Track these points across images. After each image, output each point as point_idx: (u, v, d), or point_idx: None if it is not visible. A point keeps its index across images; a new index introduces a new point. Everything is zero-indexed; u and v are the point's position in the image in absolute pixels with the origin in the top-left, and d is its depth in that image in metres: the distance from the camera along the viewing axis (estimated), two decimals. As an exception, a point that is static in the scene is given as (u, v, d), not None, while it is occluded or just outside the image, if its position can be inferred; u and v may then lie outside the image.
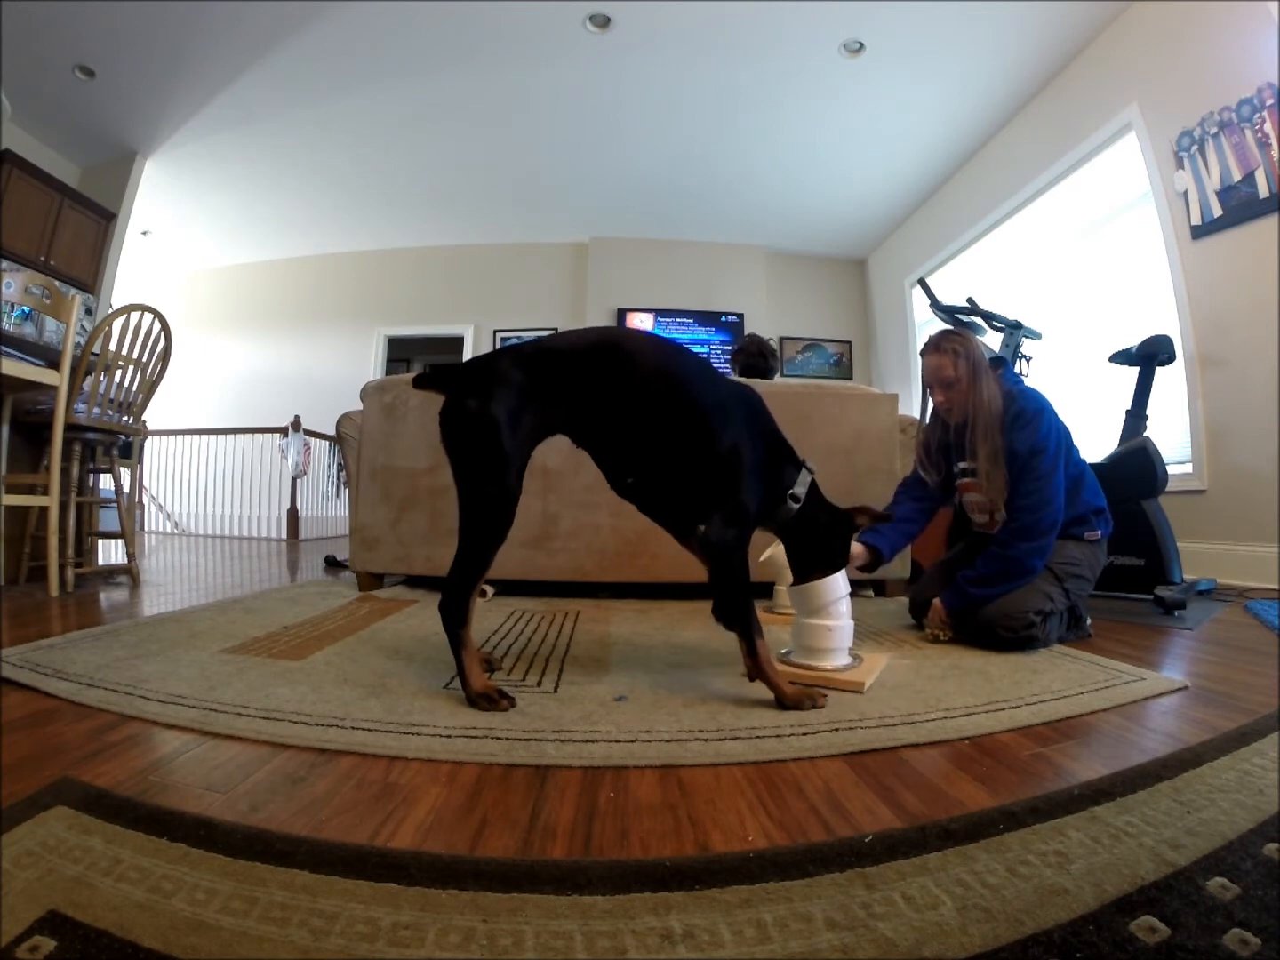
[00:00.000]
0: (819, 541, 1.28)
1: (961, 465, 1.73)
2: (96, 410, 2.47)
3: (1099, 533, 1.69)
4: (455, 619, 1.12)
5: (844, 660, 1.32)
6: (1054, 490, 1.58)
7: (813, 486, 1.27)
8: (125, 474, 2.90)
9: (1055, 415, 1.66)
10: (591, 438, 1.25)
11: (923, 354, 1.73)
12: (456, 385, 1.14)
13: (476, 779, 0.83)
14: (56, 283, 3.29)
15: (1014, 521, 1.60)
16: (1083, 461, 1.73)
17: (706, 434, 1.17)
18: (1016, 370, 2.58)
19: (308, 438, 6.19)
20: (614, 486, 1.30)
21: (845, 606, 1.32)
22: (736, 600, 1.15)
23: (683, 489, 1.21)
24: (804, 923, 0.53)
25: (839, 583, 1.31)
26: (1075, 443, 1.73)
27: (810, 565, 1.29)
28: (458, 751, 0.90)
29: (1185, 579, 2.32)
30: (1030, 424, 1.60)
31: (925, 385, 1.76)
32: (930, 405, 1.80)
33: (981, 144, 4.85)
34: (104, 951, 0.48)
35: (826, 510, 1.29)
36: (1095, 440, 2.08)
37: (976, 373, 1.64)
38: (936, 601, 1.65)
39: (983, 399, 1.62)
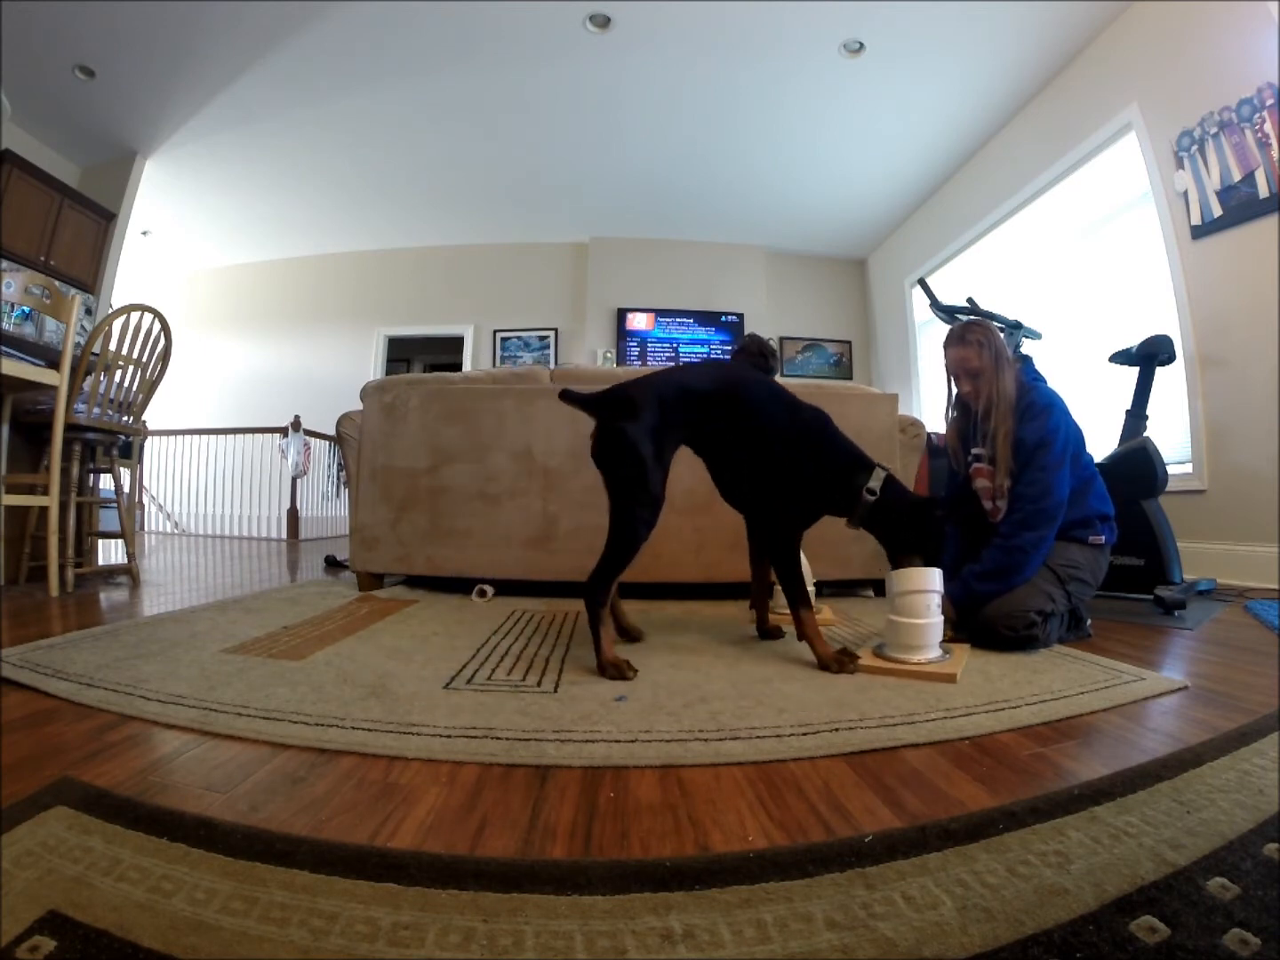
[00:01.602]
0: (903, 526, 1.48)
1: (975, 451, 1.77)
2: (96, 410, 2.47)
3: (1103, 538, 1.70)
4: (597, 600, 1.34)
5: (935, 654, 1.36)
6: (1056, 482, 1.60)
7: (888, 481, 1.49)
8: (125, 474, 2.90)
9: (1067, 414, 1.70)
10: (709, 452, 1.55)
11: (946, 346, 1.78)
12: (610, 411, 1.38)
13: (476, 779, 0.83)
14: (56, 283, 3.29)
15: (1016, 512, 1.61)
16: (1094, 466, 1.76)
17: (787, 457, 1.48)
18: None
19: (308, 438, 6.19)
20: (722, 493, 1.61)
21: (935, 602, 1.37)
22: (785, 575, 1.47)
23: (768, 494, 1.51)
24: (804, 923, 0.53)
25: (930, 577, 1.37)
26: (1088, 448, 1.76)
27: (901, 547, 1.48)
28: (457, 751, 0.90)
29: (1185, 579, 2.32)
30: (1039, 417, 1.64)
31: (951, 376, 1.81)
32: (951, 399, 1.86)
33: (981, 144, 4.85)
34: (104, 951, 0.48)
35: (907, 499, 1.50)
36: (1095, 440, 2.08)
37: (999, 362, 1.69)
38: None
39: (1004, 384, 1.68)
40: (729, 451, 1.51)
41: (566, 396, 1.40)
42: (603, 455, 1.37)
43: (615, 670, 1.26)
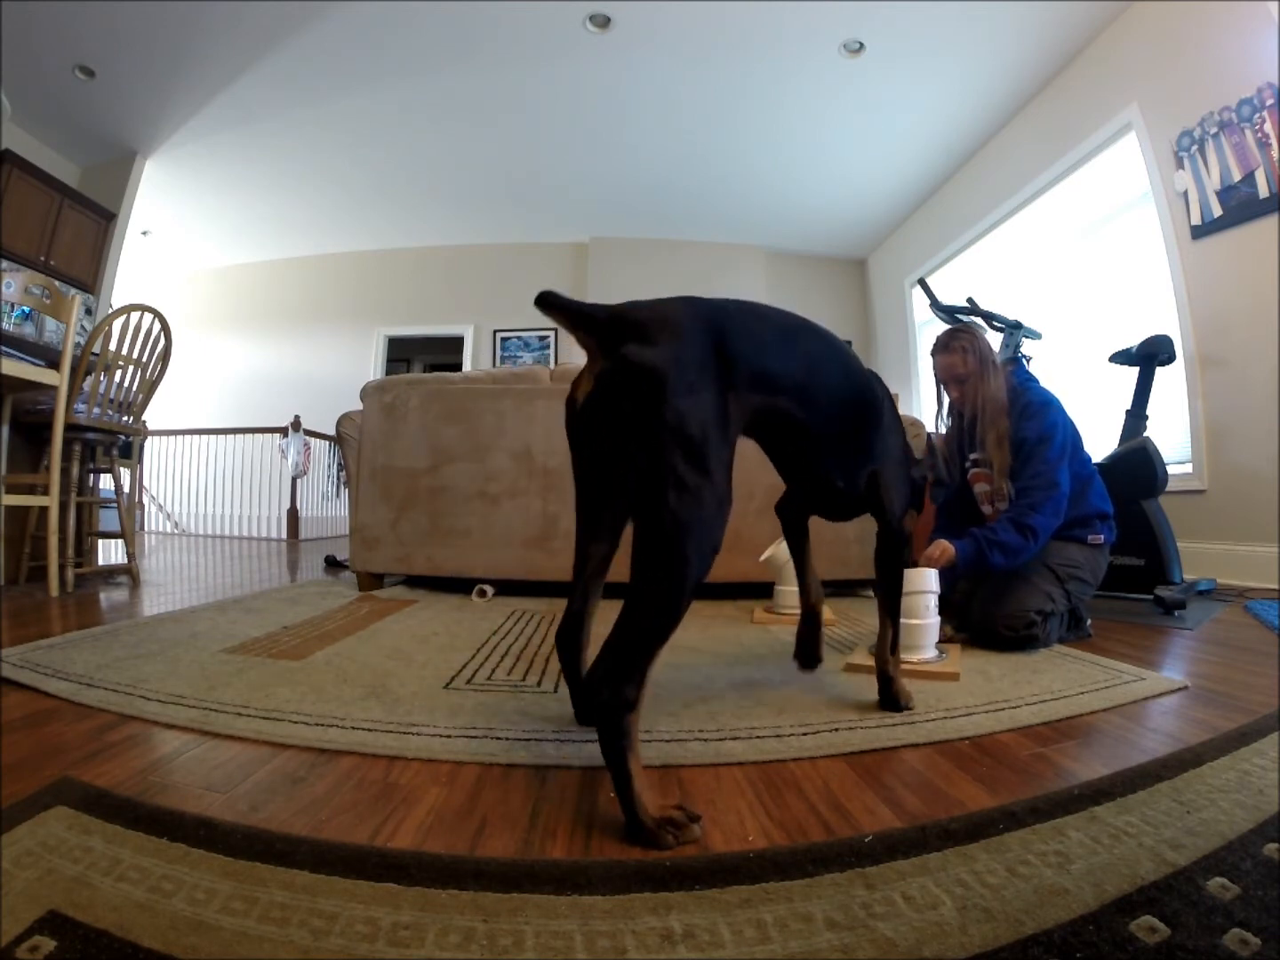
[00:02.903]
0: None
1: (972, 456, 1.78)
2: (96, 410, 2.47)
3: (1102, 537, 1.70)
4: (622, 701, 0.70)
5: (931, 654, 1.37)
6: (1061, 476, 1.60)
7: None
8: (125, 474, 2.90)
9: (1063, 413, 1.70)
10: (788, 436, 1.00)
11: (933, 354, 1.78)
12: (627, 337, 0.76)
13: (476, 779, 0.83)
14: (56, 283, 3.29)
15: (1026, 497, 1.59)
16: (1092, 465, 1.76)
17: (888, 441, 1.15)
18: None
19: (308, 438, 6.19)
20: (797, 487, 1.20)
21: (933, 603, 1.38)
22: (895, 588, 1.16)
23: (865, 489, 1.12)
24: (804, 923, 0.53)
25: (926, 578, 1.37)
26: (1086, 448, 1.77)
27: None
28: (458, 751, 0.90)
29: (1185, 579, 2.32)
30: (1037, 415, 1.65)
31: (939, 383, 1.81)
32: (943, 406, 1.86)
33: (981, 144, 4.85)
34: (104, 951, 0.48)
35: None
36: (1095, 440, 2.09)
37: (984, 365, 1.69)
38: (944, 543, 1.53)
39: (990, 389, 1.67)
40: (824, 436, 1.01)
41: (548, 301, 0.79)
42: (621, 416, 0.75)
43: (672, 832, 0.66)
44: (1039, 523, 1.55)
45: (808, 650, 1.28)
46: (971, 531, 1.58)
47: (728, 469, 0.78)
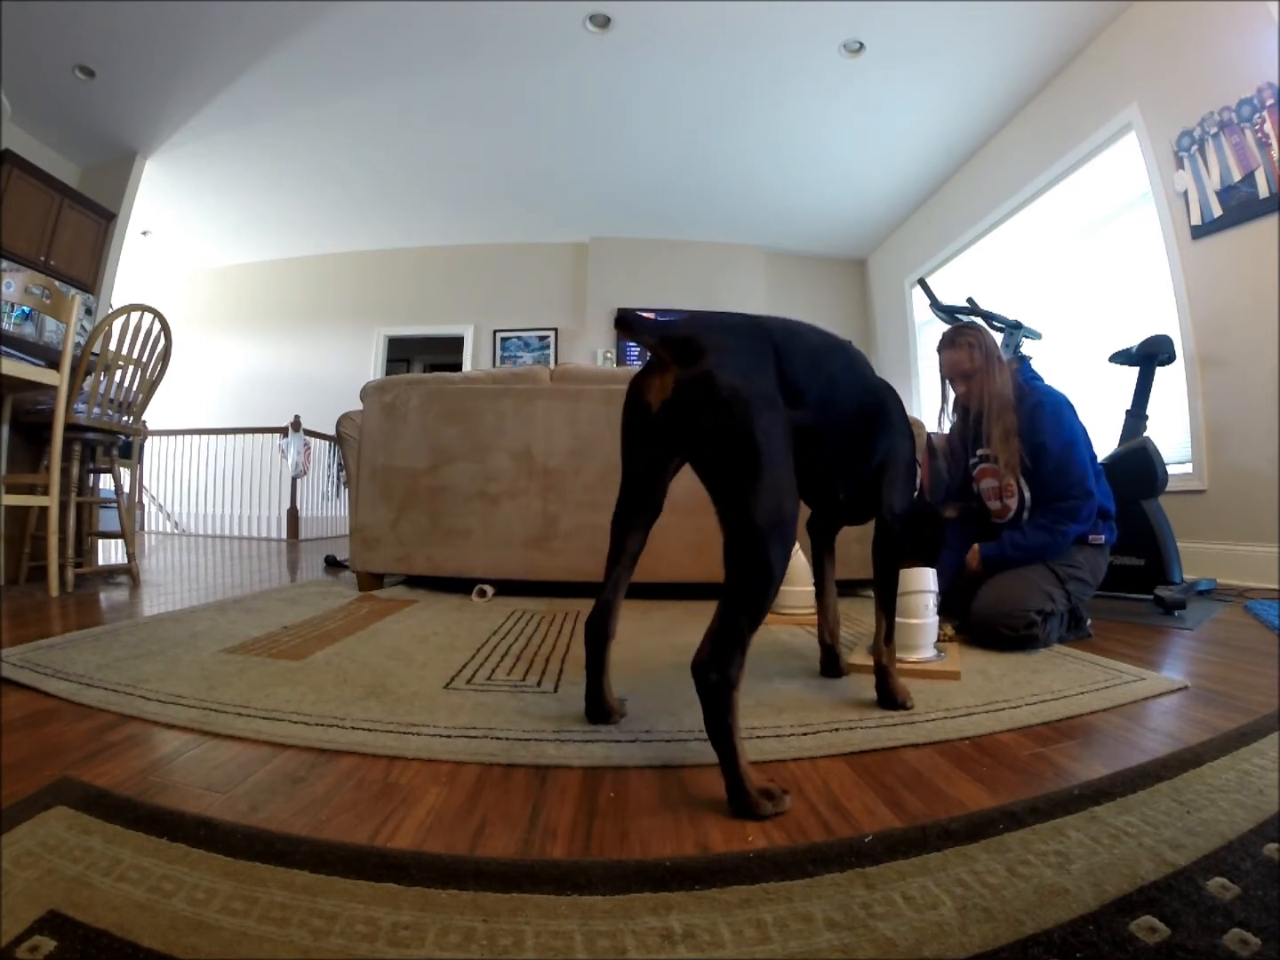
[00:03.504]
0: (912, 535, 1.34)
1: (981, 452, 1.79)
2: (96, 410, 2.47)
3: (1103, 537, 1.71)
4: (728, 681, 0.77)
5: (930, 653, 1.38)
6: (1093, 480, 1.65)
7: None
8: (125, 474, 2.90)
9: (1076, 413, 1.73)
10: (814, 445, 1.05)
11: (939, 350, 1.80)
12: (703, 354, 0.85)
13: (476, 779, 0.83)
14: (56, 283, 3.29)
15: (1064, 502, 1.64)
16: (1097, 463, 1.77)
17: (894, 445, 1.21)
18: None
19: (308, 438, 6.19)
20: (812, 496, 1.23)
21: (931, 602, 1.39)
22: (890, 590, 1.20)
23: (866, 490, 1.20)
24: (804, 923, 0.53)
25: (925, 577, 1.38)
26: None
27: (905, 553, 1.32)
28: (458, 751, 0.90)
29: (1185, 579, 2.32)
30: (1055, 418, 1.68)
31: (945, 379, 1.83)
32: (948, 403, 1.88)
33: (981, 144, 4.85)
34: (104, 951, 0.48)
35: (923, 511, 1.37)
36: (1096, 440, 2.11)
37: (989, 360, 1.71)
38: (976, 547, 1.71)
39: (996, 384, 1.70)
40: (844, 445, 1.12)
41: (628, 324, 0.90)
42: (696, 426, 0.85)
43: (770, 802, 0.75)
44: (1073, 530, 1.63)
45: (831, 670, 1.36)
46: (1002, 539, 1.66)
47: (794, 475, 0.88)
